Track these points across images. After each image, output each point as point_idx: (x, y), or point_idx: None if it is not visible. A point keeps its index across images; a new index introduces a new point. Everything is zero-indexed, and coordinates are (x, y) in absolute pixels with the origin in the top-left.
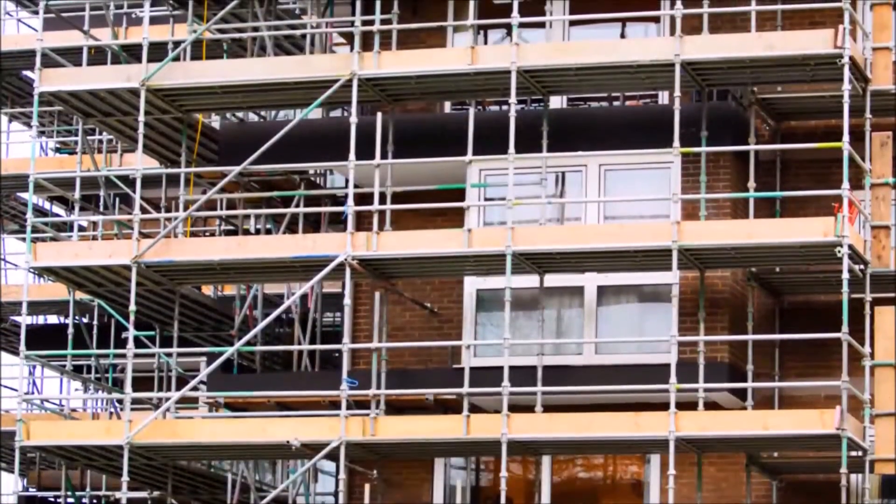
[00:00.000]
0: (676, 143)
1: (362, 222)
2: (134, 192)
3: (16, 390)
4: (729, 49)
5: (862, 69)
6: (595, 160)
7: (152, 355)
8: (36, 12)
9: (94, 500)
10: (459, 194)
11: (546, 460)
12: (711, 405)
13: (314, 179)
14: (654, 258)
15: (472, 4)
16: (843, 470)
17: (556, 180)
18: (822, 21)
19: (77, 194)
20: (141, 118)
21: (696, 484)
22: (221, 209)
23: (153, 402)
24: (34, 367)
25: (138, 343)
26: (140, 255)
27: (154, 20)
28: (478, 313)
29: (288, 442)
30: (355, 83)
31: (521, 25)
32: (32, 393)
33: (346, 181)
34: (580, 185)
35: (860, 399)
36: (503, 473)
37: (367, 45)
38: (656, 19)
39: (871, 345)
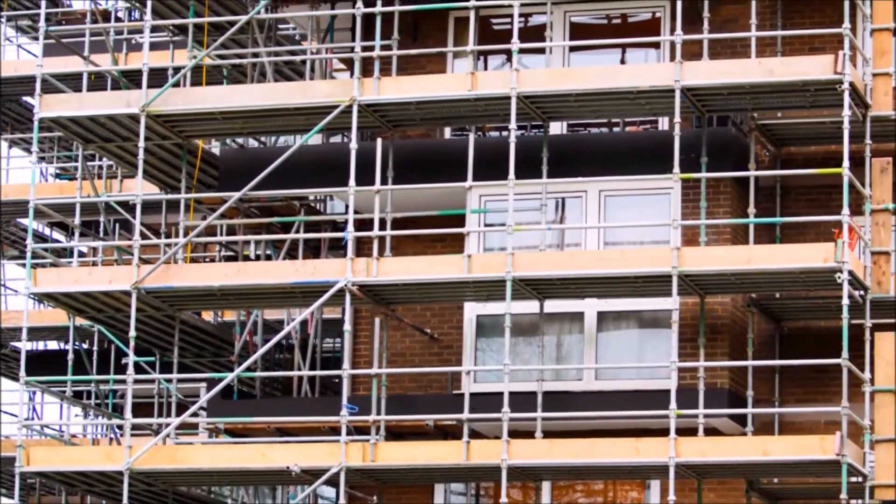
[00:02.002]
0: (676, 168)
1: (362, 248)
2: (134, 217)
3: (16, 416)
4: (729, 75)
5: (862, 95)
6: (595, 186)
7: (152, 381)
8: (36, 38)
9: None
10: (459, 220)
11: (546, 486)
12: (711, 431)
13: (314, 205)
14: (654, 284)
15: (472, 30)
16: (844, 496)
17: (556, 206)
18: (822, 47)
19: (77, 220)
20: (141, 144)
21: None
22: (221, 235)
23: (153, 428)
24: (34, 392)
25: (138, 369)
26: (140, 280)
27: (154, 46)
28: (478, 339)
29: (288, 468)
30: (355, 109)
31: (521, 51)
32: (32, 419)
33: (346, 207)
34: (580, 210)
35: (860, 425)
36: (503, 499)
37: (367, 70)
38: (656, 45)
39: (871, 370)
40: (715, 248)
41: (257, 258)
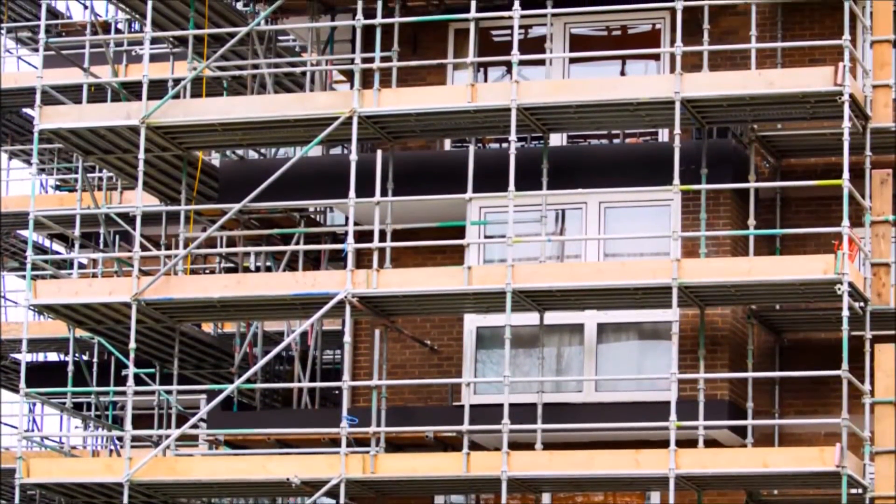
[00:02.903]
0: (676, 180)
1: (362, 260)
2: (134, 229)
3: (16, 427)
4: (729, 86)
5: (862, 106)
6: (595, 198)
7: (152, 393)
8: (36, 50)
9: None
10: (459, 232)
11: (546, 498)
12: (711, 443)
13: (314, 217)
14: (655, 296)
15: (472, 42)
16: None
17: (555, 218)
18: (822, 58)
19: (77, 232)
20: (141, 155)
21: None
22: (221, 247)
23: (153, 440)
24: (34, 404)
25: (138, 380)
26: (140, 292)
27: (154, 58)
28: (478, 351)
29: (288, 479)
30: (355, 120)
31: (521, 63)
32: (32, 430)
33: (346, 218)
34: (580, 222)
35: (860, 436)
36: None
37: (367, 82)
38: (656, 57)
39: (871, 382)
40: (715, 259)
41: (257, 270)
